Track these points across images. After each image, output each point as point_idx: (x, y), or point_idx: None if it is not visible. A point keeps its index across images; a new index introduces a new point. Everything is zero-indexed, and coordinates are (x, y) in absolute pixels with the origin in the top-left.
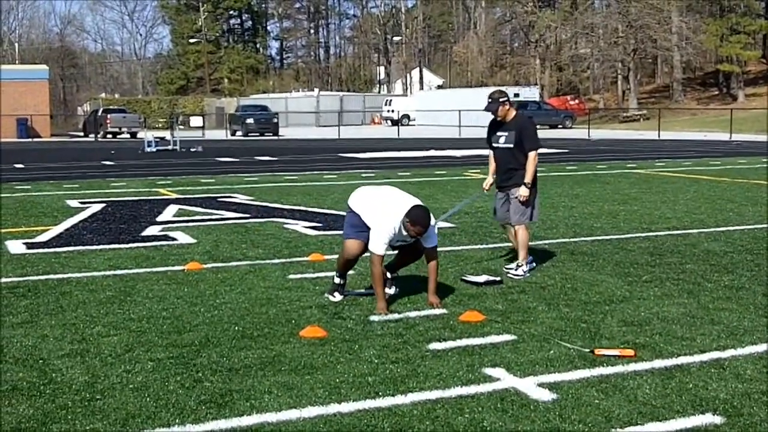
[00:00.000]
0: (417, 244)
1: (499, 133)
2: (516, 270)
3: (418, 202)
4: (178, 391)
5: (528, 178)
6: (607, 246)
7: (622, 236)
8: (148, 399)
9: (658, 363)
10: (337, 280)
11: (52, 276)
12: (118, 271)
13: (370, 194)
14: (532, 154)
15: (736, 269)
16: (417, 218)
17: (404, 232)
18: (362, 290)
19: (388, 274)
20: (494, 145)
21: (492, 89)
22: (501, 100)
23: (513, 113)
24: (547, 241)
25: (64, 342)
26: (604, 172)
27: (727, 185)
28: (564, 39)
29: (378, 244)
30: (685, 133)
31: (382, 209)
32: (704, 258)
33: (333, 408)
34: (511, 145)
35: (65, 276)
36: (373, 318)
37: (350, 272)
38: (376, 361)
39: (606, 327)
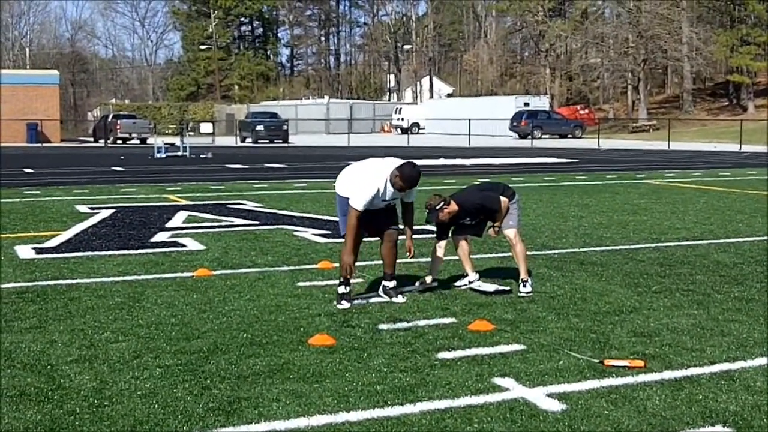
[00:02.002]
0: (390, 214)
1: (459, 223)
2: (525, 287)
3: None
4: (186, 398)
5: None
6: (617, 256)
7: (632, 246)
8: (156, 406)
9: (668, 374)
10: (341, 289)
11: (60, 281)
12: (127, 277)
13: (353, 170)
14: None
15: (746, 281)
16: (410, 174)
17: (390, 189)
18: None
19: (393, 283)
20: (461, 230)
21: (500, 98)
22: (438, 207)
23: (455, 206)
24: (556, 251)
25: (73, 348)
26: (613, 182)
27: (737, 196)
28: (574, 48)
29: (359, 200)
30: (695, 144)
31: (369, 172)
32: (714, 269)
33: (341, 417)
34: (478, 219)
35: (74, 281)
36: (382, 326)
37: (359, 280)
38: (384, 369)
39: (615, 337)
